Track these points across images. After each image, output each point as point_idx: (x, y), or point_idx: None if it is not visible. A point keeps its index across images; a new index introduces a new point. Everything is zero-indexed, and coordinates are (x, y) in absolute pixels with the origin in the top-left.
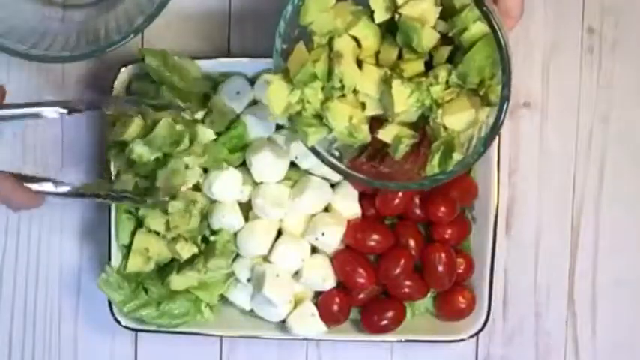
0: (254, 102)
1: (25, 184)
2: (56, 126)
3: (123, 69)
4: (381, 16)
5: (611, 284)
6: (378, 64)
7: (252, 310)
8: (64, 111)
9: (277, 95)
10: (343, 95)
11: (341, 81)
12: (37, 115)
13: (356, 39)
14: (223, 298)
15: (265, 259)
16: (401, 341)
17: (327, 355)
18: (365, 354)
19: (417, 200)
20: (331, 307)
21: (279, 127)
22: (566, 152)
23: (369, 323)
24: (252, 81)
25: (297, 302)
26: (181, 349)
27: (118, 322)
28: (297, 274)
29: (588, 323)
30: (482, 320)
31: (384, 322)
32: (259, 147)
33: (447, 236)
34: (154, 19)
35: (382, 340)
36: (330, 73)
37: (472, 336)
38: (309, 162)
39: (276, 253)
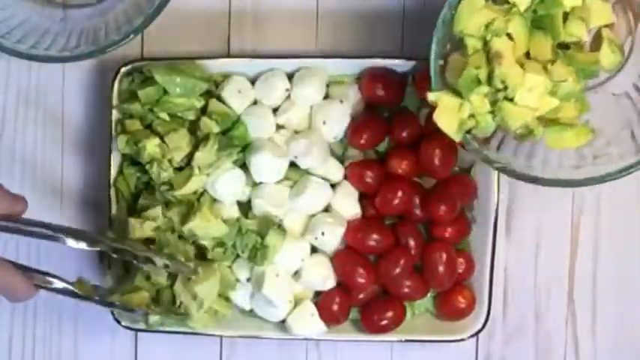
0: (254, 102)
1: (23, 275)
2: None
3: (123, 69)
4: (523, 3)
5: (611, 284)
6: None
7: (252, 310)
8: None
9: (447, 115)
10: (509, 98)
11: (503, 82)
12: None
13: (510, 37)
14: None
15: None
16: (401, 341)
17: (327, 355)
18: (365, 354)
19: (417, 200)
20: (331, 307)
21: (279, 127)
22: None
23: (369, 323)
24: (252, 81)
25: (297, 302)
26: (181, 349)
27: (118, 322)
28: (297, 274)
29: (588, 323)
30: (482, 320)
31: (384, 322)
32: (259, 147)
33: (447, 235)
34: (153, 19)
35: (382, 340)
36: (490, 76)
37: (472, 336)
38: (308, 161)
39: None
